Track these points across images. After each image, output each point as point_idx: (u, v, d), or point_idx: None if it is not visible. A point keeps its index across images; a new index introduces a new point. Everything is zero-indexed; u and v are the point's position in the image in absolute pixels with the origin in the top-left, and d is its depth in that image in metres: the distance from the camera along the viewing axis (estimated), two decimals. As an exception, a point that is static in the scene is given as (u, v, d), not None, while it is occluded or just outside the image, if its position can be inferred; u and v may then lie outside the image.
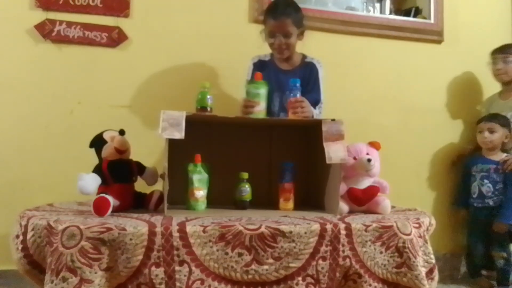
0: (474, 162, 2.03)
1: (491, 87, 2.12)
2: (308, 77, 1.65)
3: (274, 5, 1.68)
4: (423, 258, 1.13)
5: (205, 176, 1.24)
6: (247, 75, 1.73)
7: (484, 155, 2.00)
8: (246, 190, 1.29)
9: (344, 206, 1.25)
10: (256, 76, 1.33)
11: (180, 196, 1.25)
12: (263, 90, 1.30)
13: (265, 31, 1.66)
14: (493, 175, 1.93)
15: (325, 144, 1.21)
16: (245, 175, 1.30)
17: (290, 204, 1.30)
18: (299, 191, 1.36)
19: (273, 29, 1.61)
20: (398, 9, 2.36)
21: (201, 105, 1.27)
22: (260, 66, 1.71)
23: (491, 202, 1.92)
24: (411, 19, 2.25)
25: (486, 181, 1.94)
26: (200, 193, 1.24)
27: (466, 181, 2.07)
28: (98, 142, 1.21)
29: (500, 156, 1.96)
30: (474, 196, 1.99)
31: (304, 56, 1.74)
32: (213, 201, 1.29)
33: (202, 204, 1.25)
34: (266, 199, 1.35)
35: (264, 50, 1.73)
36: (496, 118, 1.96)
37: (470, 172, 2.05)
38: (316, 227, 1.04)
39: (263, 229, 1.01)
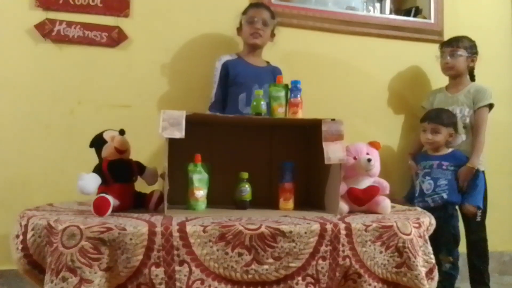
0: (418, 161, 1.95)
1: (490, 84, 2.12)
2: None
3: (257, 1, 1.89)
4: (423, 258, 1.13)
5: (205, 176, 1.25)
6: (214, 76, 1.80)
7: (427, 152, 1.92)
8: (246, 190, 1.30)
9: (344, 206, 1.25)
10: (278, 80, 1.36)
11: (180, 196, 1.25)
12: (284, 93, 1.33)
13: (244, 19, 1.80)
14: (435, 171, 1.85)
15: (324, 144, 1.22)
16: (245, 175, 1.31)
17: (290, 204, 1.30)
18: (299, 191, 1.36)
19: (253, 14, 1.79)
20: (398, 9, 2.36)
21: (256, 111, 1.30)
22: (231, 64, 1.80)
23: (430, 201, 1.82)
24: (411, 19, 2.25)
25: (427, 177, 1.85)
26: (200, 193, 1.24)
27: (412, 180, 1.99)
28: (98, 142, 1.21)
29: (445, 152, 1.89)
30: (416, 195, 1.90)
31: (267, 61, 1.91)
32: (213, 201, 1.29)
33: (202, 204, 1.25)
34: (266, 199, 1.35)
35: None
36: (440, 117, 1.86)
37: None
38: (316, 227, 1.04)
39: (263, 229, 1.01)
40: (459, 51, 1.98)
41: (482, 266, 1.94)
